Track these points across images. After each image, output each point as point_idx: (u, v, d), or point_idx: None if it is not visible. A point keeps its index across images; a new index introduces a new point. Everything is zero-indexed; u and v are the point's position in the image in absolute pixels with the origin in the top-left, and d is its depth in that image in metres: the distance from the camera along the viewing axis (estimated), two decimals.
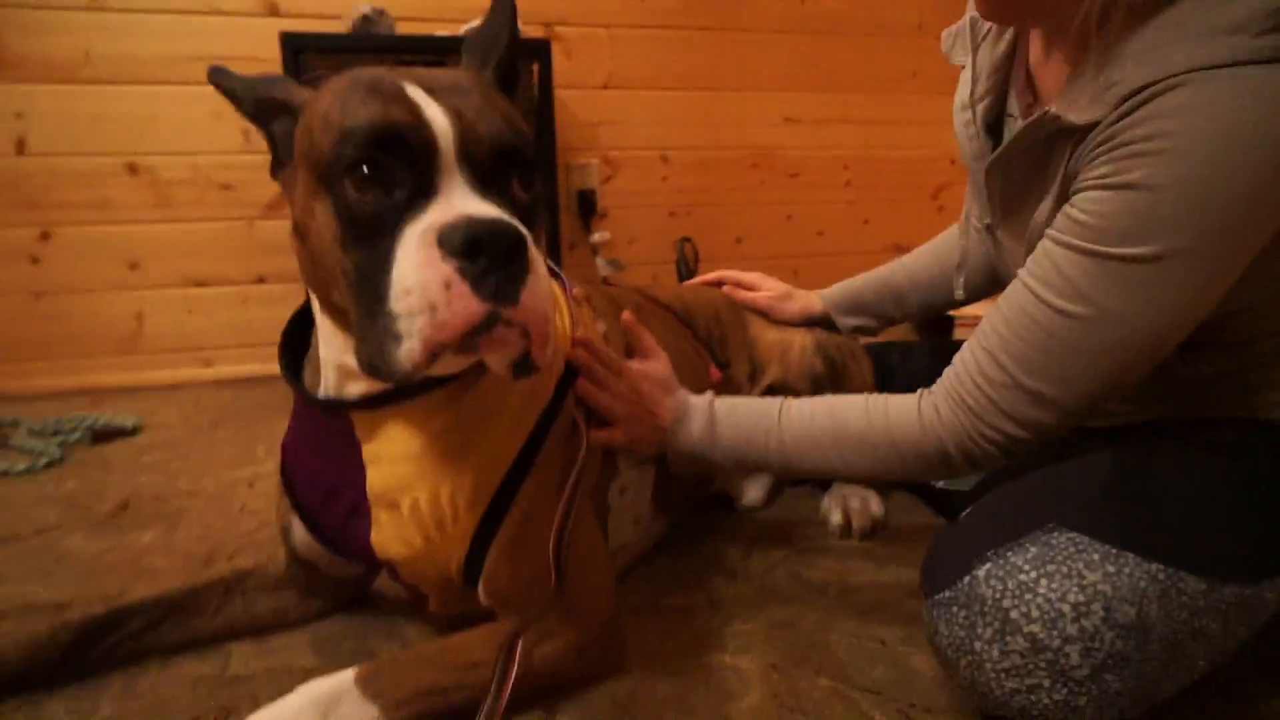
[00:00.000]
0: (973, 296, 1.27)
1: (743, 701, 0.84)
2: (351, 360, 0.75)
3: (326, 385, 0.81)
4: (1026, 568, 0.72)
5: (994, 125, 0.99)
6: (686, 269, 2.65)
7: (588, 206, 2.58)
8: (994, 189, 0.93)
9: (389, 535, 0.81)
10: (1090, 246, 0.74)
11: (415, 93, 0.67)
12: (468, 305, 0.61)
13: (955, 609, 0.74)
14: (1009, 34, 0.96)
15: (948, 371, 0.88)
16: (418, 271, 0.61)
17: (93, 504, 1.40)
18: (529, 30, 2.34)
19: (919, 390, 0.91)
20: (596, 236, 2.61)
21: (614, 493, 1.02)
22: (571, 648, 0.82)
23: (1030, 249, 0.83)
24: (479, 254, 0.61)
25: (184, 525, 1.31)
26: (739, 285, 1.42)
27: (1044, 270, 0.78)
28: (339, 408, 0.79)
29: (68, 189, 2.18)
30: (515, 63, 0.80)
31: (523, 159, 0.70)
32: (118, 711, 0.83)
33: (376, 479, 0.80)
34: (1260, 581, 0.75)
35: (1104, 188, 0.74)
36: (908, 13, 2.84)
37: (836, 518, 1.24)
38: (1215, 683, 0.82)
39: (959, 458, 0.86)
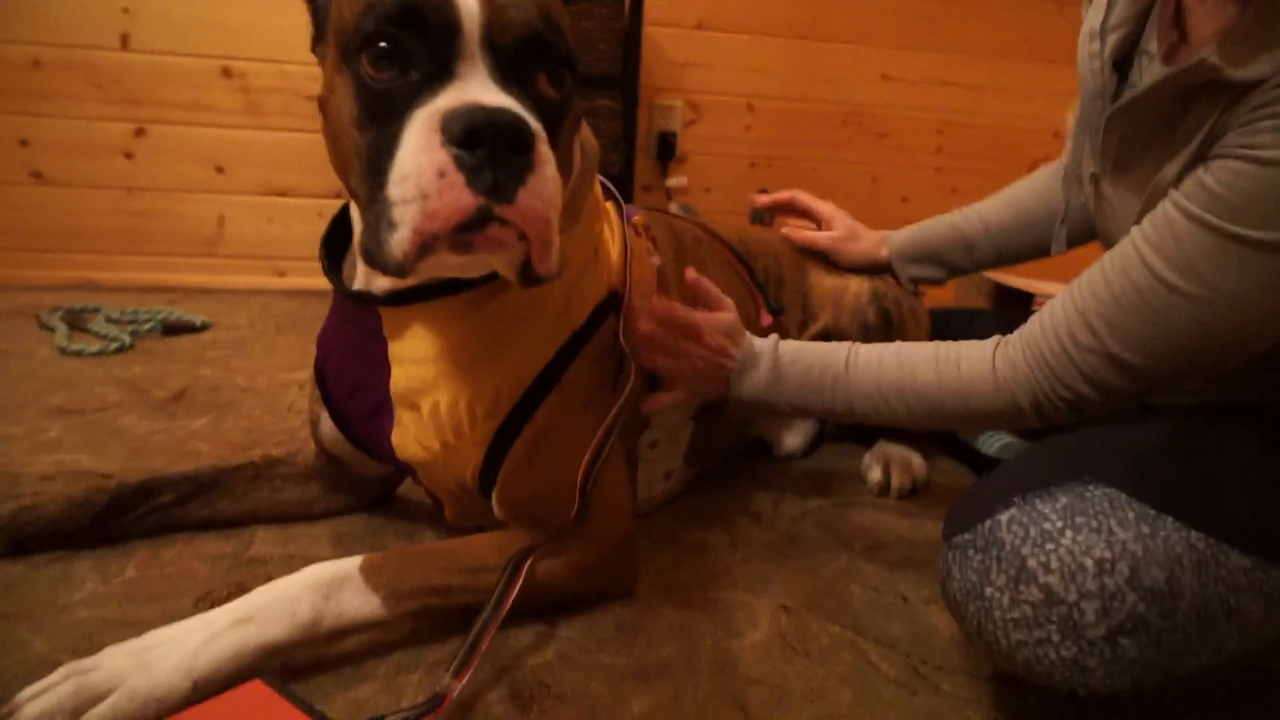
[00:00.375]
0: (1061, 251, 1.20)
1: (747, 638, 0.82)
2: None
3: (358, 277, 0.80)
4: (1053, 516, 0.67)
5: (1122, 61, 0.89)
6: (760, 222, 2.58)
7: (667, 149, 2.54)
8: (1112, 136, 0.85)
9: (409, 436, 0.81)
10: (1219, 223, 0.68)
11: None
12: (459, 197, 0.58)
13: (971, 552, 0.70)
14: None
15: (1031, 324, 0.83)
16: (414, 157, 0.59)
17: (152, 389, 1.45)
18: None
19: (994, 340, 0.87)
20: (673, 181, 2.56)
21: (644, 445, 1.00)
22: (581, 565, 0.81)
23: (1146, 209, 0.77)
24: (478, 144, 0.58)
25: (232, 416, 1.34)
26: (807, 211, 1.37)
27: (1160, 238, 0.72)
28: (368, 301, 0.79)
29: (165, 87, 2.23)
30: None
31: (554, 52, 0.66)
32: (141, 575, 0.86)
33: (400, 378, 0.79)
34: None
35: (1252, 160, 0.67)
36: None
37: (876, 475, 1.20)
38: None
39: (1030, 412, 0.82)
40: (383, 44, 0.62)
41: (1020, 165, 2.86)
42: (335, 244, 0.86)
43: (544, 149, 0.62)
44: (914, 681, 0.77)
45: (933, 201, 2.81)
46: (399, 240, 0.59)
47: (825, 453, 1.34)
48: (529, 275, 0.65)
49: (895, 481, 1.19)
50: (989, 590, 0.68)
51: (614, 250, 0.90)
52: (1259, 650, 0.71)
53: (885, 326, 1.24)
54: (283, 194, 2.36)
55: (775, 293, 1.23)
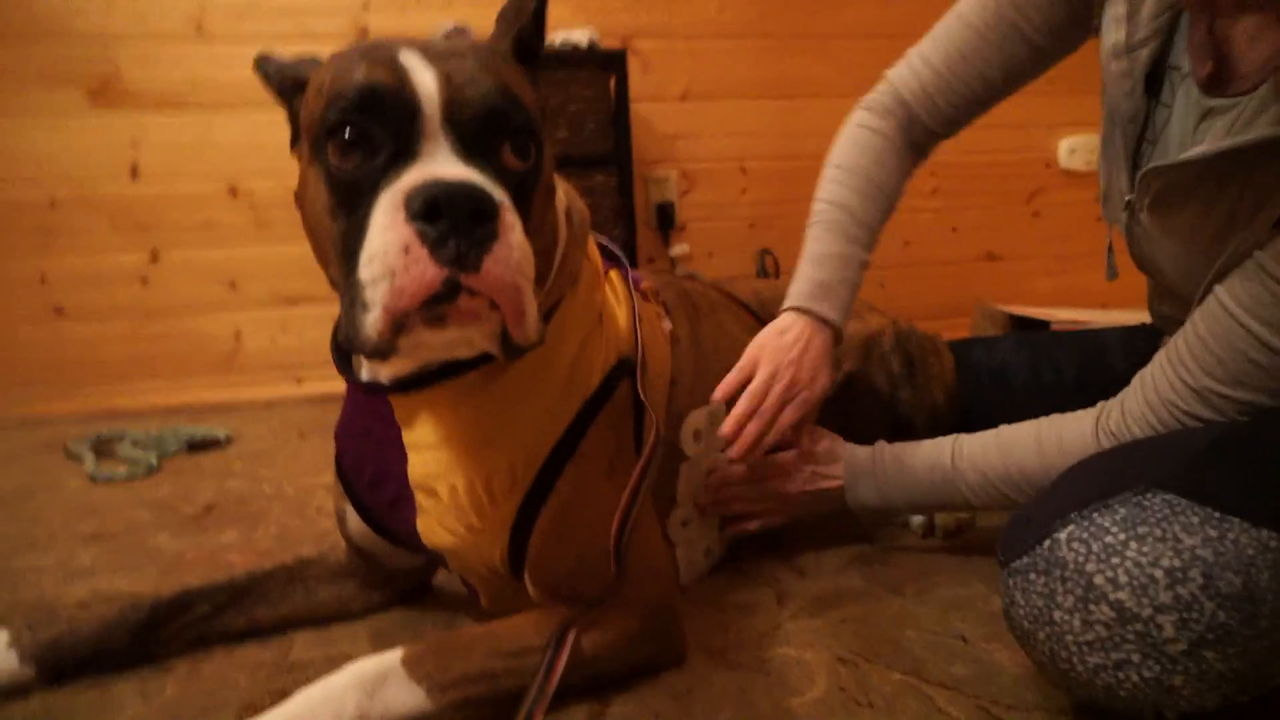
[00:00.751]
0: None
1: (806, 695, 0.79)
2: None
3: (365, 368, 0.81)
4: (1114, 529, 0.64)
5: (1151, 77, 0.86)
6: (765, 274, 2.60)
7: (666, 220, 2.57)
8: (1149, 183, 0.84)
9: (433, 523, 0.80)
10: None
11: (408, 57, 0.65)
12: (424, 270, 0.58)
13: (1034, 576, 0.67)
14: None
15: (1131, 395, 0.84)
16: (380, 236, 0.59)
17: (182, 506, 1.45)
18: (607, 43, 2.36)
19: (1093, 412, 0.88)
20: (676, 250, 2.59)
21: (675, 525, 0.99)
22: (625, 636, 0.79)
23: (1217, 264, 0.77)
24: (439, 216, 0.58)
25: (263, 525, 1.34)
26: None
27: (1265, 308, 0.73)
28: (377, 391, 0.79)
29: (175, 212, 2.30)
30: (538, 33, 0.76)
31: (515, 124, 0.66)
32: (181, 692, 0.84)
33: (417, 465, 0.79)
34: None
35: None
36: None
37: (919, 517, 1.17)
38: None
39: None
40: (347, 132, 0.63)
41: (1018, 197, 2.88)
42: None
43: (509, 217, 0.62)
44: None
45: (935, 242, 2.82)
46: (372, 320, 0.60)
47: None
48: (509, 346, 0.65)
49: (940, 521, 1.16)
50: (1057, 614, 0.65)
51: (621, 316, 0.90)
52: None
53: (910, 372, 1.22)
54: (295, 303, 2.39)
55: None
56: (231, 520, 1.36)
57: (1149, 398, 0.82)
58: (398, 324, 0.60)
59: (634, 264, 2.42)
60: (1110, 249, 1.01)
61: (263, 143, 2.31)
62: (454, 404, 0.77)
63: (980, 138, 2.78)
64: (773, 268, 2.63)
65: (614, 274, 0.94)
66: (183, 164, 2.29)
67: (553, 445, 0.78)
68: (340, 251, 0.64)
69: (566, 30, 2.26)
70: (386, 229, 0.59)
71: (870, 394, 1.23)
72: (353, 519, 0.90)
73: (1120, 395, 0.87)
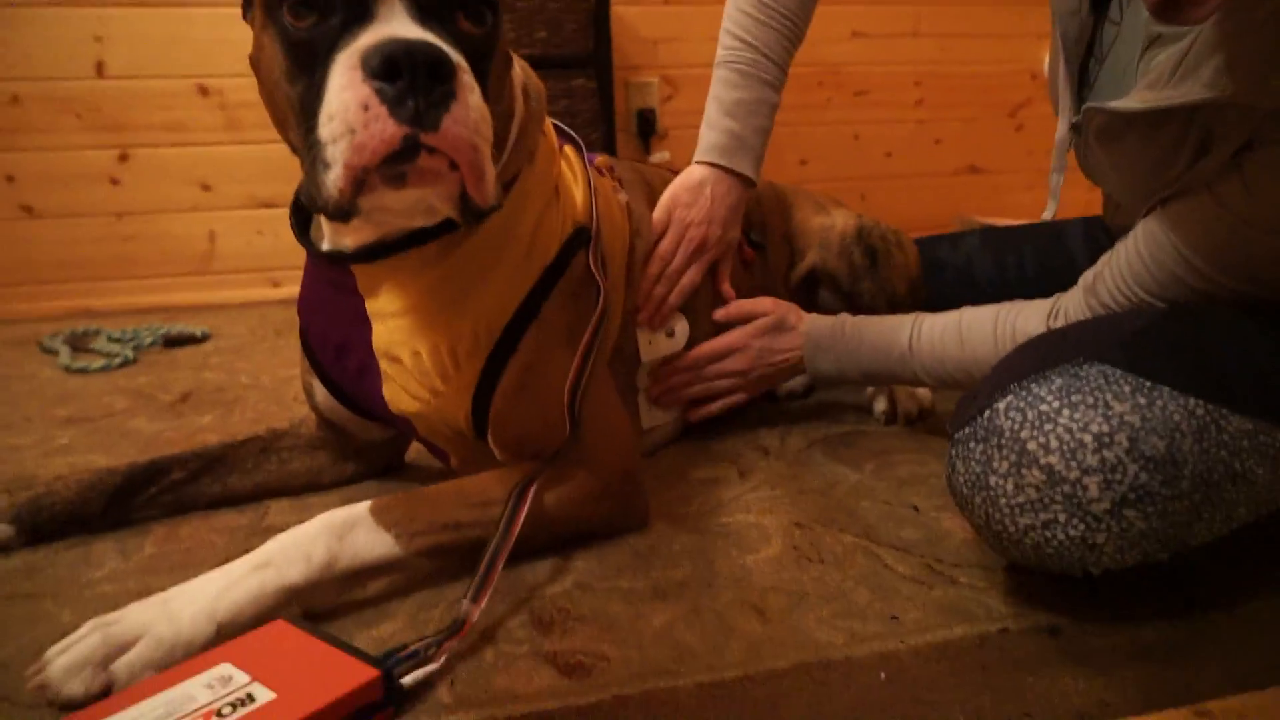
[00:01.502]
0: None
1: (761, 553, 0.83)
2: None
3: (326, 238, 0.81)
4: (1049, 398, 0.67)
5: None
6: None
7: (647, 126, 2.55)
8: (1093, 116, 0.85)
9: (398, 389, 0.82)
10: (1247, 214, 0.72)
11: None
12: (384, 127, 0.59)
13: (973, 444, 0.71)
14: None
15: (1077, 297, 0.87)
16: (339, 95, 0.60)
17: (158, 394, 1.46)
18: None
19: (1049, 302, 0.92)
20: (656, 157, 2.57)
21: (641, 378, 1.02)
22: (586, 493, 0.82)
23: (1154, 190, 0.79)
24: (398, 75, 0.59)
25: (239, 410, 1.36)
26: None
27: (1199, 238, 0.75)
28: (339, 260, 0.80)
29: (144, 110, 2.25)
30: None
31: None
32: (160, 551, 0.86)
33: (380, 334, 0.80)
34: None
35: None
36: None
37: (881, 405, 1.21)
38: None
39: None
40: None
41: (1001, 109, 2.87)
42: (303, 210, 0.87)
43: (466, 78, 0.63)
44: (930, 578, 0.78)
45: (917, 154, 2.82)
46: (334, 179, 0.61)
47: (829, 390, 1.35)
48: (469, 208, 0.66)
49: (901, 409, 1.19)
50: (993, 479, 0.68)
51: (577, 190, 0.91)
52: (1273, 515, 0.71)
53: (872, 264, 1.24)
54: (270, 205, 2.37)
55: (757, 232, 1.24)
56: (208, 407, 1.38)
57: (1089, 301, 0.86)
58: (358, 181, 0.61)
59: None
60: (1056, 169, 1.02)
61: (233, 39, 2.26)
62: (416, 273, 0.78)
63: (962, 48, 2.77)
64: None
65: (569, 150, 0.95)
66: (150, 61, 2.23)
67: (514, 310, 0.80)
68: (299, 114, 0.65)
69: None
70: (344, 88, 0.60)
71: (831, 285, 1.26)
72: (320, 392, 0.92)
73: (1069, 292, 0.90)
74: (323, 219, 0.81)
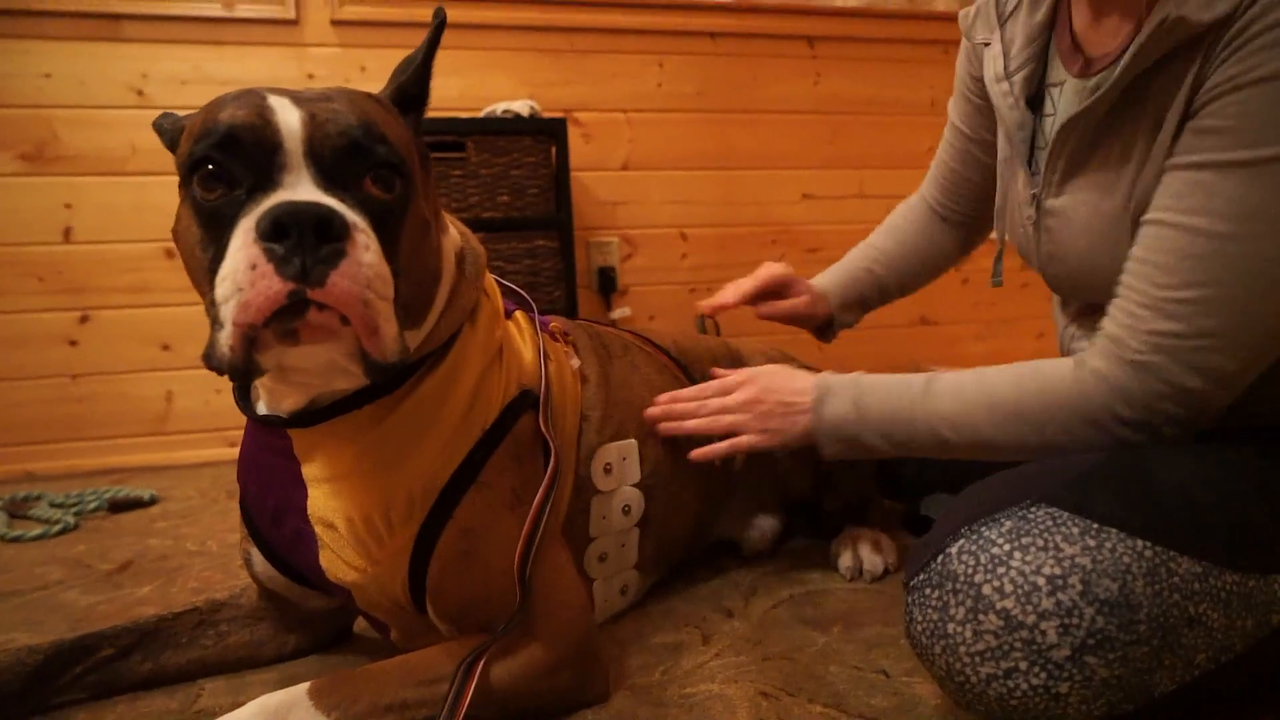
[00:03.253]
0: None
1: None
2: (264, 381, 0.77)
3: (263, 402, 0.80)
4: (1000, 541, 0.67)
5: (1032, 99, 0.96)
6: (704, 331, 2.63)
7: (608, 284, 2.61)
8: (1063, 148, 0.88)
9: (334, 557, 0.79)
10: (1242, 156, 0.69)
11: (275, 100, 0.68)
12: (269, 285, 0.60)
13: (928, 590, 0.69)
14: (1047, 3, 0.93)
15: (1101, 335, 0.80)
16: (232, 257, 0.62)
17: (97, 563, 1.39)
18: (549, 113, 2.42)
19: (1072, 358, 0.83)
20: (617, 313, 2.62)
21: (592, 560, 0.98)
22: (539, 666, 0.77)
23: (1139, 189, 0.80)
24: (285, 235, 0.60)
25: (181, 579, 1.29)
26: (771, 287, 1.35)
27: (1190, 202, 0.73)
28: (275, 424, 0.78)
29: (108, 274, 2.26)
30: (420, 82, 0.80)
31: (377, 157, 0.69)
32: None
33: (316, 499, 0.78)
34: (1269, 574, 0.68)
35: (1250, 83, 0.69)
36: (920, 91, 2.89)
37: (846, 560, 1.18)
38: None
39: (1136, 421, 0.77)
40: (209, 166, 0.65)
41: None
42: None
43: (361, 237, 0.64)
44: None
45: None
46: (225, 337, 0.61)
47: (794, 547, 1.32)
48: (370, 364, 0.66)
49: (867, 564, 1.17)
50: (950, 626, 0.67)
51: (527, 352, 0.91)
52: (1237, 666, 0.69)
53: None
54: None
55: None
56: (149, 576, 1.31)
57: (1113, 332, 0.79)
58: (248, 338, 0.61)
59: None
60: (999, 258, 1.07)
61: None
62: (351, 437, 0.77)
63: None
64: (713, 329, 2.66)
65: (520, 314, 0.96)
66: (117, 226, 2.26)
67: (450, 474, 0.78)
68: (208, 280, 0.66)
69: (508, 101, 2.32)
70: (236, 250, 0.62)
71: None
72: (258, 559, 0.89)
73: (1094, 339, 0.85)
74: (260, 384, 0.79)
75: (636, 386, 1.08)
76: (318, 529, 0.79)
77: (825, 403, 0.95)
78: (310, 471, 0.78)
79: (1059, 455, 0.80)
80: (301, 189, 0.65)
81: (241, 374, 0.64)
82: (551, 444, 0.85)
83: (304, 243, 0.61)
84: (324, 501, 0.78)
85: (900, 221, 1.37)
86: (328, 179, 0.67)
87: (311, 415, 0.77)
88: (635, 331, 1.23)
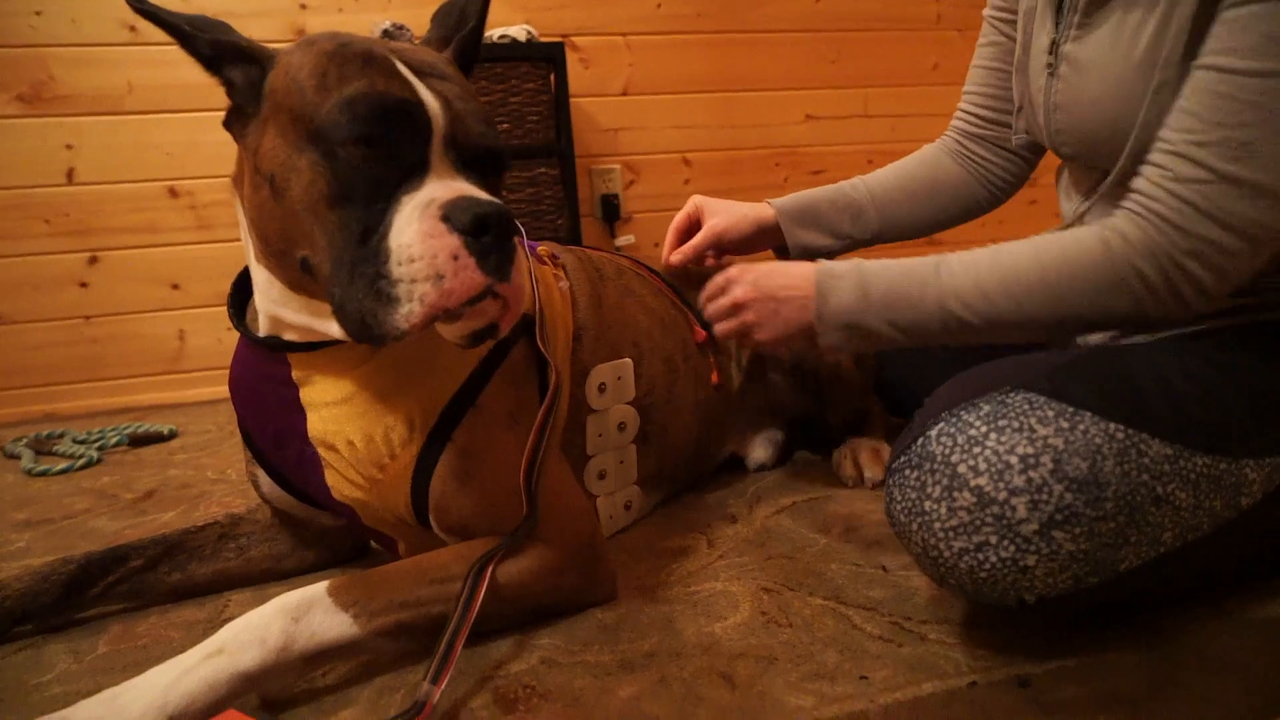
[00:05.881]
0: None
1: (730, 620, 0.81)
2: (287, 313, 0.78)
3: (262, 328, 0.82)
4: (978, 423, 0.69)
5: None
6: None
7: (611, 211, 2.60)
8: None
9: (338, 476, 0.82)
10: None
11: (405, 71, 0.70)
12: (473, 277, 0.65)
13: (908, 471, 0.72)
14: None
15: (1127, 198, 0.77)
16: (425, 241, 0.65)
17: (121, 493, 1.44)
18: (545, 38, 2.38)
19: (1093, 225, 0.79)
20: (621, 241, 2.62)
21: (592, 478, 1.01)
22: (547, 566, 0.81)
23: (1151, 45, 0.76)
24: (484, 232, 0.65)
25: (204, 505, 1.33)
26: (693, 224, 1.24)
27: (1226, 42, 0.69)
28: (278, 348, 0.80)
29: (114, 214, 2.27)
30: (476, 44, 0.83)
31: (503, 161, 0.75)
32: (114, 650, 0.84)
33: (315, 423, 0.80)
34: (1240, 458, 0.70)
35: None
36: (925, 6, 2.83)
37: (848, 468, 1.21)
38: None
39: (1161, 283, 0.73)
40: (368, 136, 0.67)
41: None
42: (239, 297, 0.88)
43: (518, 235, 0.69)
44: (899, 636, 0.77)
45: None
46: (407, 313, 0.65)
47: (797, 461, 1.35)
48: (486, 335, 0.72)
49: (867, 472, 1.20)
50: (927, 504, 0.70)
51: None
52: (1202, 542, 0.72)
53: (814, 348, 1.24)
54: None
55: None
56: (172, 503, 1.36)
57: (1142, 184, 0.75)
58: (434, 318, 0.66)
59: None
60: (1017, 112, 1.03)
61: (202, 142, 2.30)
62: (352, 363, 0.79)
63: (910, 127, 2.87)
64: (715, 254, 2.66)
65: None
66: (120, 166, 2.26)
67: (448, 399, 0.80)
68: (340, 241, 0.68)
69: (504, 27, 2.28)
70: (431, 236, 0.65)
71: (777, 368, 1.29)
72: (265, 481, 0.92)
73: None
74: (261, 316, 0.81)
75: (630, 308, 1.10)
76: (320, 450, 0.81)
77: (828, 288, 0.88)
78: (310, 395, 0.80)
79: (1080, 332, 0.80)
80: (450, 177, 0.70)
81: (388, 342, 0.68)
82: (551, 360, 0.87)
83: (498, 242, 0.66)
84: (323, 425, 0.80)
85: (911, 157, 1.27)
86: (465, 170, 0.72)
87: (311, 343, 0.79)
88: (630, 258, 1.24)
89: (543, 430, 0.84)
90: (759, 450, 1.30)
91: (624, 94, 2.61)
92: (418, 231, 0.65)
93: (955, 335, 0.84)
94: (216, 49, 0.74)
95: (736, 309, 0.95)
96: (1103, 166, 0.86)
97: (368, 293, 0.66)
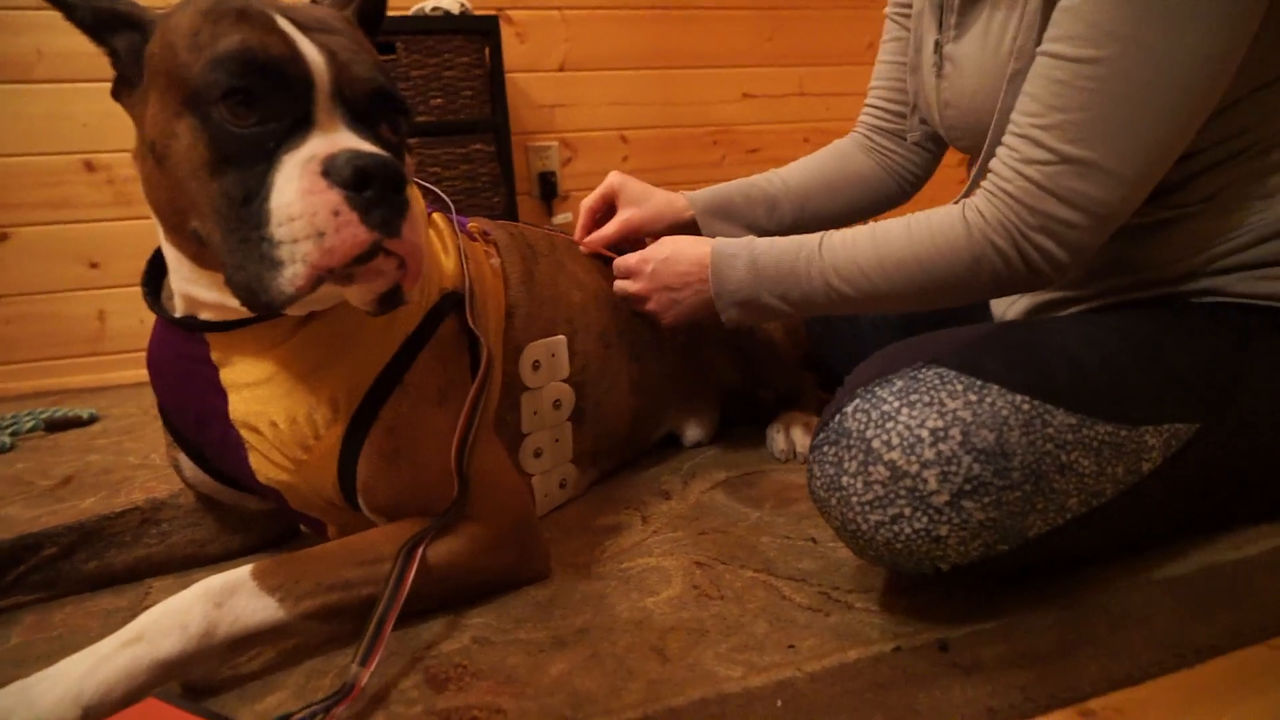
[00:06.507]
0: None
1: (662, 594, 0.82)
2: (199, 291, 0.75)
3: (177, 307, 0.80)
4: (891, 399, 0.71)
5: None
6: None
7: (549, 189, 2.58)
8: None
9: (262, 459, 0.80)
10: None
11: (286, 25, 0.67)
12: (355, 232, 0.63)
13: (826, 448, 0.74)
14: None
15: (986, 178, 0.82)
16: (304, 199, 0.62)
17: (37, 479, 1.39)
18: (480, 11, 2.34)
19: (958, 203, 0.84)
20: (559, 219, 2.60)
21: (527, 456, 1.00)
22: (479, 543, 0.80)
23: (1012, 40, 0.82)
24: (366, 185, 0.63)
25: (125, 491, 1.29)
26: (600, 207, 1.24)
27: (1062, 30, 0.74)
28: (195, 328, 0.78)
29: (26, 189, 2.17)
30: (381, 4, 0.81)
31: (395, 105, 0.72)
32: (28, 640, 0.81)
33: (237, 404, 0.78)
34: (1140, 425, 0.74)
35: None
36: None
37: (780, 442, 1.23)
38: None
39: (1015, 256, 0.79)
40: (241, 95, 0.64)
41: None
42: (153, 276, 0.86)
43: (410, 188, 0.67)
44: (826, 605, 0.78)
45: None
46: (291, 276, 0.63)
47: (733, 435, 1.36)
48: (392, 300, 0.70)
49: (799, 445, 1.21)
50: (845, 479, 0.72)
51: (447, 257, 0.91)
52: (1106, 507, 0.75)
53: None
54: None
55: None
56: (91, 489, 1.31)
57: (993, 165, 0.81)
58: (318, 280, 0.63)
59: None
60: (911, 111, 1.11)
61: (119, 114, 2.19)
62: (273, 342, 0.77)
63: (845, 105, 2.90)
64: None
65: (437, 216, 0.96)
66: (32, 137, 2.16)
67: (374, 378, 0.79)
68: (224, 208, 0.65)
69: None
70: (310, 193, 0.62)
71: (712, 342, 1.29)
72: (187, 465, 0.89)
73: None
74: (175, 296, 0.79)
75: (564, 284, 1.09)
76: (243, 433, 0.79)
77: (720, 269, 0.97)
78: (230, 376, 0.78)
79: (948, 302, 0.85)
80: (336, 131, 0.67)
81: (280, 309, 0.66)
82: (482, 340, 0.86)
83: (384, 195, 0.63)
84: (245, 407, 0.78)
85: (823, 150, 1.31)
86: (355, 121, 0.68)
87: (230, 322, 0.76)
88: (567, 234, 1.23)
89: (474, 408, 0.83)
90: (694, 427, 1.31)
91: (561, 69, 2.58)
92: (297, 189, 0.62)
93: (839, 307, 0.92)
94: (98, 16, 0.71)
95: (639, 300, 1.07)
96: (989, 151, 0.90)
97: (253, 259, 0.64)
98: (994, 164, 0.81)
